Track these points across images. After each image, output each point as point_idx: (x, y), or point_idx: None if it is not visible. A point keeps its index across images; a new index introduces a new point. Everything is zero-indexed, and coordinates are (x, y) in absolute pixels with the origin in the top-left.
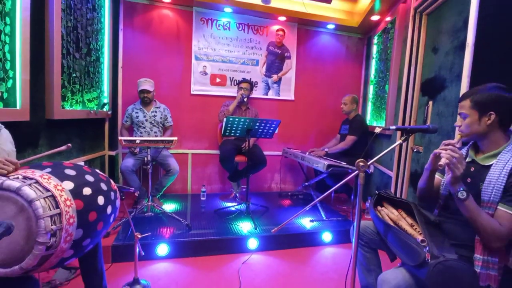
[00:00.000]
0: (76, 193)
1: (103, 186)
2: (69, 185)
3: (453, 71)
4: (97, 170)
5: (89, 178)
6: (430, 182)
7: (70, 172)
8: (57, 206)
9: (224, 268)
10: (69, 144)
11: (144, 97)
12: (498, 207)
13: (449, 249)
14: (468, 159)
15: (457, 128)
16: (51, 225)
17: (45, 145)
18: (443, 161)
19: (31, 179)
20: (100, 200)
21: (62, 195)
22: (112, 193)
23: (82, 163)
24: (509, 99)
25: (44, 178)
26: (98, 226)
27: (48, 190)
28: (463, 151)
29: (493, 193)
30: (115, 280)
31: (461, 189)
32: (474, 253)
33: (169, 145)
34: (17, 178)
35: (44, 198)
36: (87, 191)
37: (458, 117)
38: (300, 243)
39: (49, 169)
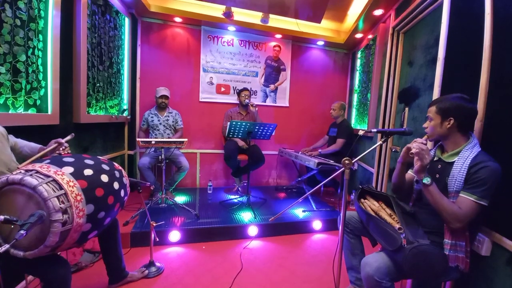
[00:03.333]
0: (77, 174)
1: (105, 166)
2: (69, 169)
3: (426, 82)
4: (99, 157)
5: (89, 161)
6: (402, 174)
7: (69, 159)
8: (61, 188)
9: (228, 252)
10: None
11: (162, 102)
12: (460, 194)
13: (422, 236)
14: (435, 158)
15: (424, 129)
16: (60, 204)
17: (72, 146)
18: (414, 150)
19: (31, 170)
20: (104, 178)
21: (63, 178)
22: (117, 172)
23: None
24: (468, 108)
25: (43, 168)
26: (108, 200)
27: (48, 176)
28: (431, 152)
29: (456, 184)
30: (133, 262)
31: (426, 176)
32: (444, 238)
33: (180, 146)
34: (20, 172)
35: (46, 183)
36: (88, 172)
37: (427, 119)
38: (294, 230)
39: (48, 161)
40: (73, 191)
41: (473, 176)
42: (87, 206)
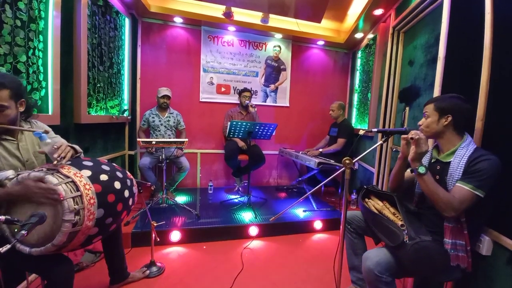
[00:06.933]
0: (94, 179)
1: (119, 174)
2: (87, 173)
3: (427, 81)
4: (114, 164)
5: (105, 167)
6: (401, 172)
7: (88, 163)
8: (78, 190)
9: (229, 251)
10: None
11: (164, 102)
12: (456, 183)
13: (424, 233)
14: (433, 160)
15: (419, 126)
16: (74, 205)
17: None
18: (412, 135)
19: (53, 169)
20: (117, 184)
21: (81, 181)
22: (128, 180)
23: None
24: (464, 108)
25: (64, 168)
26: (118, 207)
27: (68, 177)
28: (428, 154)
29: (454, 182)
30: (134, 262)
31: (421, 165)
32: (444, 237)
33: (181, 146)
34: (41, 170)
35: (65, 183)
36: (103, 177)
37: (423, 117)
38: (295, 230)
39: (69, 162)
40: (88, 194)
41: (472, 168)
42: (98, 210)
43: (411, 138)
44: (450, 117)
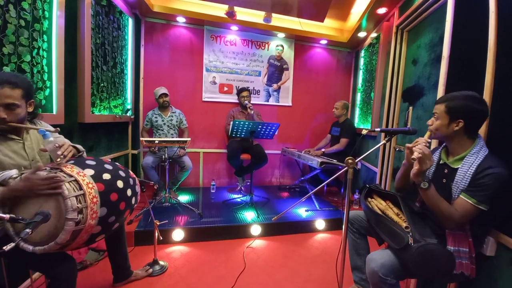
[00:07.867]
0: (97, 177)
1: (122, 173)
2: (90, 172)
3: (431, 80)
4: (117, 163)
5: (108, 166)
6: (406, 175)
7: (91, 162)
8: (81, 188)
9: (231, 251)
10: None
11: (164, 100)
12: (460, 195)
13: (430, 235)
14: (441, 162)
15: (428, 126)
16: (77, 203)
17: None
18: (415, 155)
19: (56, 168)
20: (120, 183)
21: (84, 180)
22: (131, 179)
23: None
24: (478, 111)
25: (68, 167)
26: (120, 206)
27: (71, 176)
28: (436, 154)
29: (459, 191)
30: (137, 260)
31: (424, 180)
32: (447, 245)
33: (184, 145)
34: (45, 169)
35: (68, 182)
36: (106, 176)
37: (433, 116)
38: (297, 230)
39: (72, 161)
40: (91, 193)
41: (478, 181)
42: (101, 209)
43: (413, 159)
44: (462, 123)
